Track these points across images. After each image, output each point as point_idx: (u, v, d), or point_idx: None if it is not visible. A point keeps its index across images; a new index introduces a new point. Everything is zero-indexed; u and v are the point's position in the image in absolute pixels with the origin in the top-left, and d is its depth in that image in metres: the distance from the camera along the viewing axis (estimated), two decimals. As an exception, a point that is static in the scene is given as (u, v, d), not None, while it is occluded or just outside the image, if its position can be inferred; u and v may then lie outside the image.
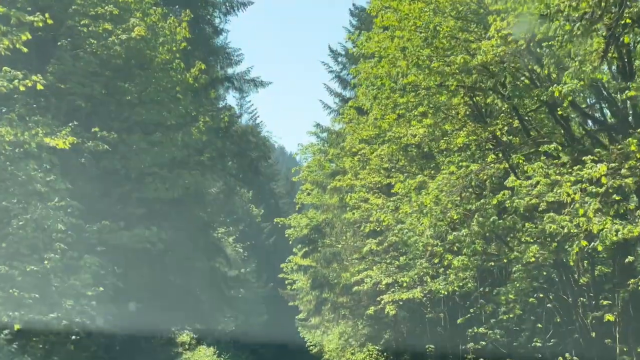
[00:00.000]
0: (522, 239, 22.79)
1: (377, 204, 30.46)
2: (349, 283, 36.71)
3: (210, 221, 35.34)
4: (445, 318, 38.38)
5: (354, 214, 33.34)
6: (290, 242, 49.06)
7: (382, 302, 30.92)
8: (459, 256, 25.20)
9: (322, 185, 37.91)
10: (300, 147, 40.06)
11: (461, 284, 26.51)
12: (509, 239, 24.34)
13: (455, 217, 23.72)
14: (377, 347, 49.74)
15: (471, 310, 29.41)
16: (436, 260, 30.65)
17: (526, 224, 22.92)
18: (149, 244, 24.10)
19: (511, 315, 25.36)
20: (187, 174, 25.43)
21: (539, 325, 27.44)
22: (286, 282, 51.35)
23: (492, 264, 27.28)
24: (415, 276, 30.39)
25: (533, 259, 21.35)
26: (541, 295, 26.05)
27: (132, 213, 24.32)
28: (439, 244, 25.05)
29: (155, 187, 24.30)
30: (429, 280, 30.61)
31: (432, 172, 25.42)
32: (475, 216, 23.04)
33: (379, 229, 31.90)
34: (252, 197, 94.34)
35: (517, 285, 23.29)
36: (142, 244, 23.49)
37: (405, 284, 31.54)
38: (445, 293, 30.49)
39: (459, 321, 29.45)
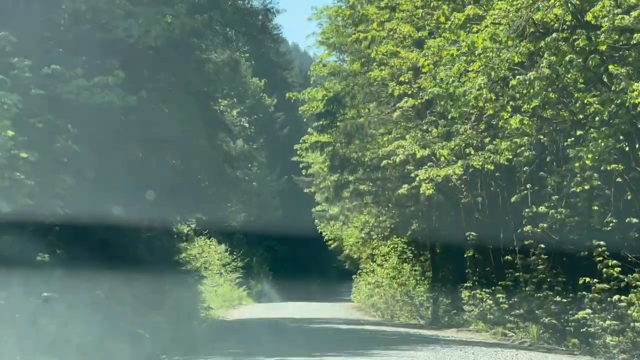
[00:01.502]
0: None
1: (410, 58, 24.91)
2: (374, 162, 31.29)
3: (210, 91, 29.71)
4: (484, 203, 33.16)
5: (382, 70, 27.69)
6: (305, 120, 43.71)
7: (417, 179, 25.44)
8: (517, 115, 19.80)
9: (341, 49, 32.10)
10: (314, 11, 34.06)
11: (518, 151, 21.03)
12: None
13: (516, 60, 18.26)
14: (403, 239, 44.90)
15: (528, 185, 23.98)
16: (482, 127, 25.17)
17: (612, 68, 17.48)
18: (123, 107, 18.71)
19: (586, 187, 19.92)
20: (171, 10, 19.75)
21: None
22: (300, 166, 46.02)
23: (557, 127, 21.87)
24: (457, 147, 24.92)
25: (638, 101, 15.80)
26: (615, 166, 20.51)
27: (93, 57, 18.75)
28: (493, 98, 19.49)
29: (125, 25, 18.66)
30: (472, 152, 25.15)
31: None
32: (546, 55, 17.59)
33: (411, 90, 26.28)
34: (264, 87, 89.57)
35: (602, 144, 17.78)
36: (114, 104, 18.12)
37: (443, 158, 26.10)
38: (492, 168, 25.14)
39: (513, 199, 24.05)
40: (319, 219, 54.55)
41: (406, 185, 27.19)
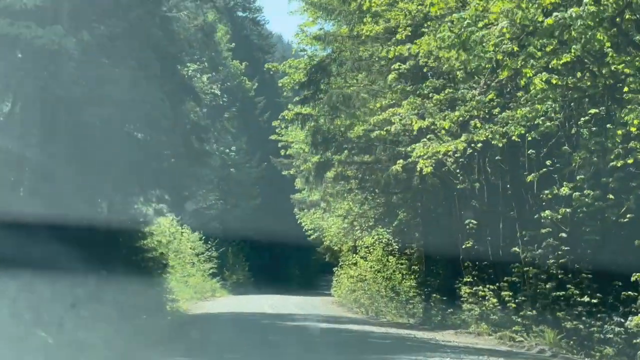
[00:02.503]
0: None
1: (410, 10, 21.02)
2: (362, 141, 27.49)
3: (177, 53, 25.76)
4: (482, 189, 29.49)
5: (375, 24, 23.67)
6: (285, 93, 39.88)
7: (414, 154, 21.52)
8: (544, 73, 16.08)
9: (327, 9, 28.05)
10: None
11: (540, 120, 17.29)
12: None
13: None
14: (389, 230, 41.22)
15: (547, 162, 20.22)
16: (491, 96, 21.35)
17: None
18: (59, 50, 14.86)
19: (629, 161, 16.17)
20: None
21: None
22: (279, 145, 42.01)
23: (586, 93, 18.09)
24: (461, 118, 21.17)
25: None
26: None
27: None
28: (516, 49, 15.68)
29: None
30: (478, 125, 21.39)
31: None
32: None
33: (409, 52, 22.29)
34: (244, 70, 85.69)
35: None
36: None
37: (444, 131, 22.26)
38: (500, 144, 21.48)
39: (529, 178, 20.28)
40: (299, 207, 50.75)
41: (401, 161, 23.29)
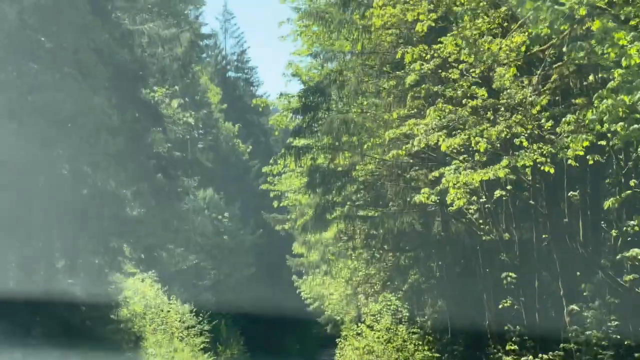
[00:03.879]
0: None
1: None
2: (368, 175, 22.33)
3: (139, 69, 20.66)
4: (511, 240, 24.39)
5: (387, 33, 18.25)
6: (277, 133, 34.94)
7: (443, 182, 16.13)
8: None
9: (325, 20, 22.91)
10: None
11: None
12: None
13: None
14: (398, 295, 36.25)
15: (632, 183, 14.88)
16: (543, 102, 16.12)
17: None
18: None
19: None
20: None
21: None
22: (271, 196, 36.67)
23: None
24: (505, 133, 15.99)
25: None
26: None
27: None
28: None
29: None
30: (524, 142, 16.28)
31: None
32: None
33: (430, 54, 17.11)
34: (238, 132, 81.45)
35: None
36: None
37: (481, 151, 16.91)
38: (552, 170, 16.45)
39: (607, 204, 14.84)
40: (297, 271, 46.07)
41: (426, 190, 17.79)
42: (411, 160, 21.76)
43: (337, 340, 50.90)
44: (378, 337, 35.88)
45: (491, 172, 16.65)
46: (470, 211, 25.53)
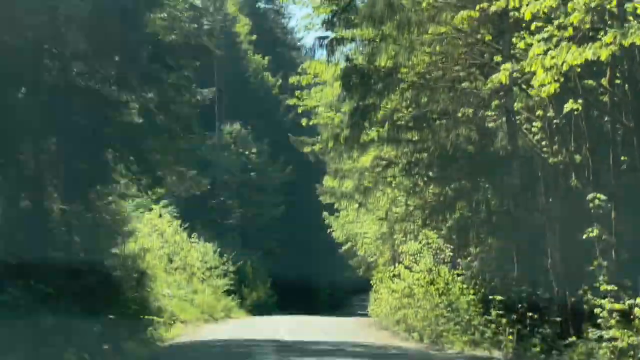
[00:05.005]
0: None
1: None
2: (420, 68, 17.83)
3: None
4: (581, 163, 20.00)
5: None
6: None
7: (531, 55, 11.52)
8: None
9: None
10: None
11: None
12: None
13: None
14: (441, 232, 32.24)
15: None
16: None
17: None
18: None
19: None
20: None
21: None
22: (299, 112, 32.14)
23: None
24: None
25: None
26: None
27: None
28: None
29: None
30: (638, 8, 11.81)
31: None
32: None
33: None
34: (267, 65, 77.40)
35: None
36: None
37: (574, 22, 12.37)
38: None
39: None
40: (328, 201, 41.94)
41: (507, 66, 13.20)
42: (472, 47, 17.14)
43: (371, 282, 47.59)
44: (418, 279, 32.11)
45: (590, 51, 12.17)
46: (533, 129, 21.65)
